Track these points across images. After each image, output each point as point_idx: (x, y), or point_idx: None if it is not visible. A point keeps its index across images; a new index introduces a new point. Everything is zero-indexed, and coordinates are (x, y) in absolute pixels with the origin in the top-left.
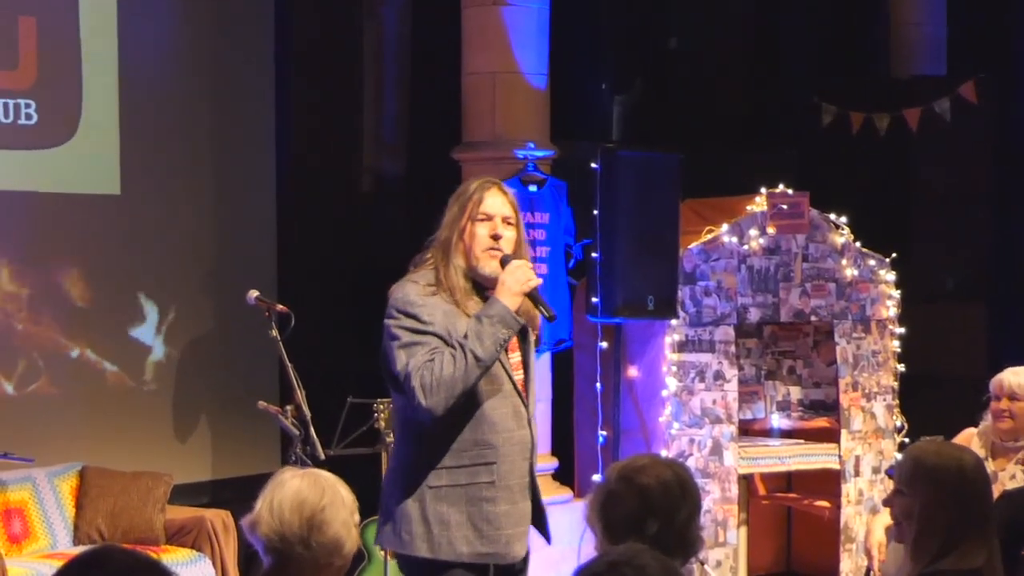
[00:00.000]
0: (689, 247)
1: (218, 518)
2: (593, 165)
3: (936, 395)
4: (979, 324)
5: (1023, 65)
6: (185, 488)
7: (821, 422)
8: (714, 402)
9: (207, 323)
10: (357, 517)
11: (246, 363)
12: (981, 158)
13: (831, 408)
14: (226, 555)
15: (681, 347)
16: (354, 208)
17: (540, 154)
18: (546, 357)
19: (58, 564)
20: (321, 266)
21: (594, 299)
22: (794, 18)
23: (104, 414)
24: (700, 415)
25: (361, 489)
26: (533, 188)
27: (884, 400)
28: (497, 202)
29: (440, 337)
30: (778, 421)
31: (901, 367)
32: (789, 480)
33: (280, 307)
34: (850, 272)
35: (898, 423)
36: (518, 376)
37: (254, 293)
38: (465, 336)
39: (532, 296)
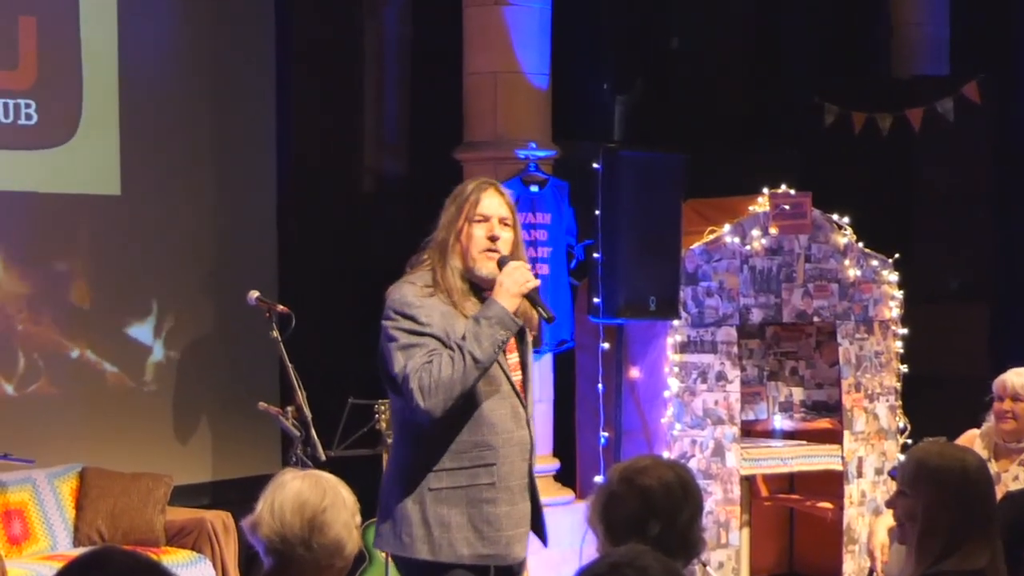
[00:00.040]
0: (691, 247)
1: (218, 519)
2: (595, 165)
3: (939, 396)
4: (982, 325)
5: None
6: (185, 489)
7: (823, 423)
8: (716, 403)
9: (207, 324)
10: (358, 519)
11: (247, 364)
12: (984, 158)
13: (833, 409)
14: (226, 556)
15: (683, 348)
16: (355, 208)
17: (542, 154)
18: (548, 358)
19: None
20: (322, 266)
21: (596, 300)
22: (796, 18)
23: (104, 415)
24: (702, 416)
25: (362, 490)
26: (535, 188)
27: (887, 401)
28: (494, 203)
29: (438, 338)
30: (780, 422)
31: (904, 368)
32: (791, 481)
33: (281, 308)
34: (853, 273)
35: (901, 424)
36: (516, 377)
37: (255, 293)
38: (463, 338)
39: (530, 297)
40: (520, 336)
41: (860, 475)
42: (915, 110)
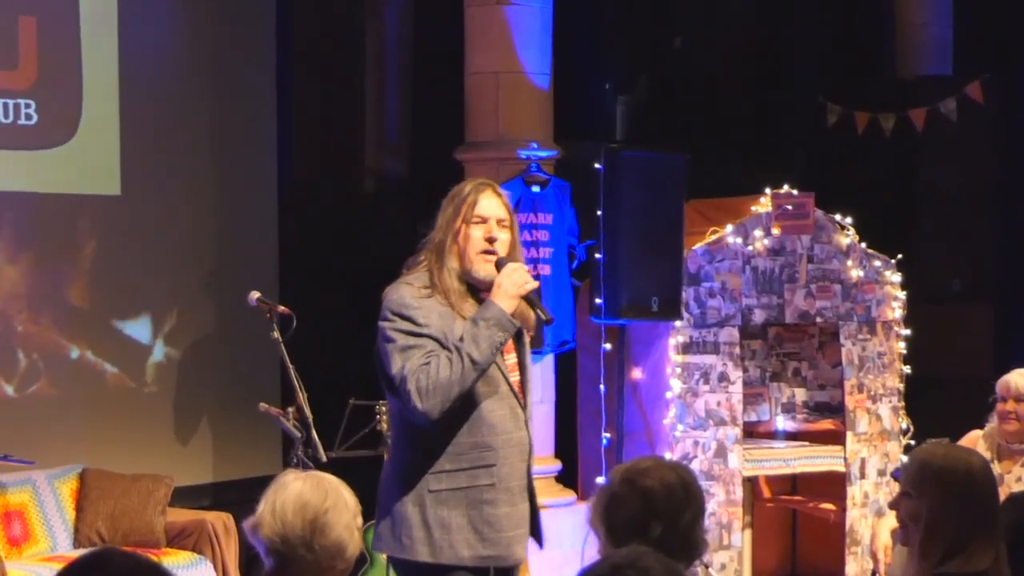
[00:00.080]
0: (693, 248)
1: (219, 521)
2: (597, 165)
3: (942, 397)
4: (985, 325)
5: None
6: (186, 490)
7: (826, 424)
8: (718, 404)
9: (208, 324)
10: (360, 520)
11: (247, 365)
12: (987, 158)
13: (836, 410)
14: (227, 558)
15: (685, 349)
16: (356, 209)
17: (543, 154)
18: (549, 359)
19: (58, 567)
20: (323, 267)
21: (597, 300)
22: (799, 18)
23: (104, 416)
24: (704, 417)
25: (363, 492)
26: (536, 189)
27: (890, 402)
28: (492, 204)
29: (436, 339)
30: (783, 423)
31: (907, 369)
32: (794, 483)
33: (281, 308)
34: (855, 273)
35: (904, 425)
36: (514, 378)
37: (255, 294)
38: (461, 339)
39: (529, 299)
40: (518, 337)
41: (863, 476)
42: (918, 110)
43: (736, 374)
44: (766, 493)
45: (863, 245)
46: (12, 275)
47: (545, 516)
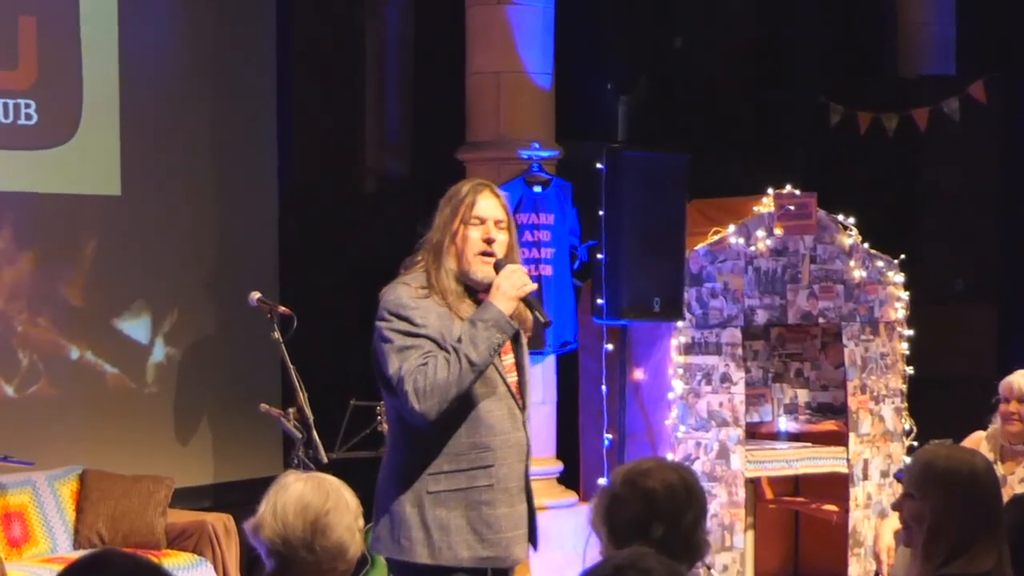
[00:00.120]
0: (695, 248)
1: (220, 522)
2: (598, 165)
3: (945, 398)
4: (988, 326)
5: None
6: (186, 492)
7: (829, 425)
8: (721, 405)
9: (208, 325)
10: (361, 522)
11: (248, 365)
12: (990, 158)
13: (839, 411)
14: (228, 559)
15: (687, 349)
16: (356, 209)
17: (545, 154)
18: (551, 359)
19: (58, 568)
20: (323, 267)
21: (599, 301)
22: (801, 17)
23: (104, 417)
24: (707, 418)
25: (364, 493)
26: (538, 189)
27: (892, 403)
28: (490, 205)
29: (433, 340)
30: (785, 424)
31: (910, 369)
32: (796, 484)
33: (282, 309)
34: (858, 273)
35: (907, 426)
36: (512, 379)
37: (256, 294)
38: (459, 340)
39: (527, 301)
40: (515, 338)
41: (866, 477)
42: (921, 110)
43: (738, 375)
44: (768, 494)
45: (866, 245)
46: (12, 275)
47: (547, 517)
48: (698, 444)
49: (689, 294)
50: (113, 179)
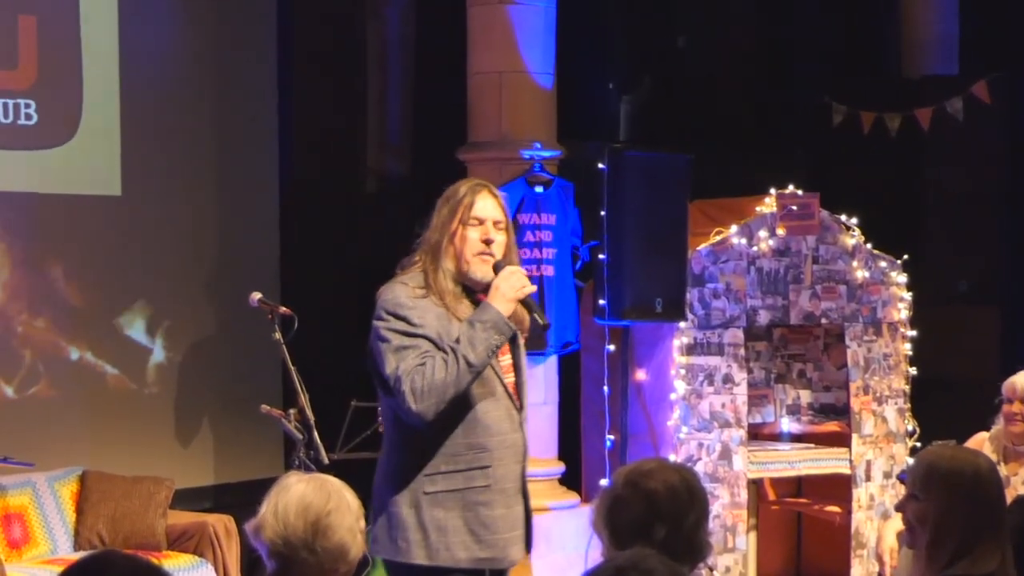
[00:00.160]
0: (697, 249)
1: (220, 523)
2: (600, 166)
3: (948, 399)
4: (992, 327)
5: None
6: (187, 493)
7: (831, 426)
8: (723, 406)
9: (209, 325)
10: (363, 523)
11: (249, 366)
12: (994, 158)
13: (842, 412)
14: (228, 561)
15: (689, 350)
16: (358, 209)
17: (547, 154)
18: (553, 360)
19: (58, 570)
20: (324, 268)
21: (601, 301)
22: (804, 17)
23: (105, 418)
24: (709, 419)
25: (365, 494)
26: (539, 189)
27: (895, 404)
28: (488, 205)
29: (430, 340)
30: (788, 425)
31: (912, 370)
32: (799, 485)
33: (283, 309)
34: (861, 274)
35: (909, 427)
36: (509, 379)
37: (257, 295)
38: (457, 340)
39: (526, 303)
40: (513, 339)
41: (868, 479)
42: (924, 110)
43: (741, 376)
44: (771, 495)
45: (869, 246)
46: (12, 276)
47: (549, 518)
48: (700, 445)
49: (691, 294)
50: (113, 179)
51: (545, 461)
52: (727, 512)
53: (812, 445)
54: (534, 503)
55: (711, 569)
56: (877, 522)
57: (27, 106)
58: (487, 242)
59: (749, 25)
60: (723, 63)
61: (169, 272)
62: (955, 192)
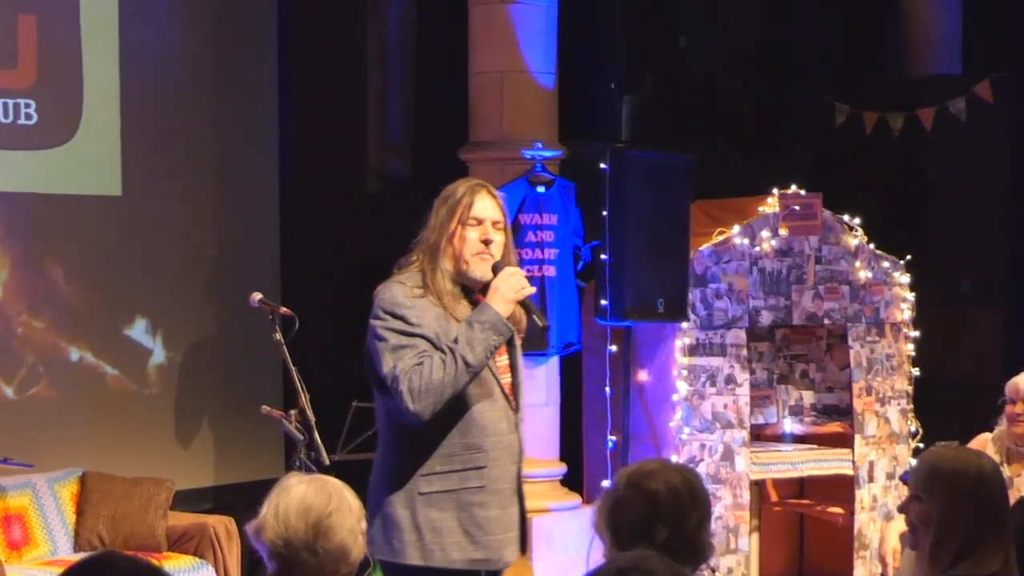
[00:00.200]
0: (700, 249)
1: (221, 524)
2: (602, 165)
3: (951, 400)
4: (995, 327)
5: None
6: (187, 494)
7: (834, 427)
8: (725, 407)
9: (209, 326)
10: (364, 524)
11: (249, 367)
12: (997, 158)
13: (844, 413)
14: (229, 562)
15: (692, 350)
16: (358, 209)
17: (548, 154)
18: (554, 361)
19: (58, 571)
20: (325, 268)
21: (603, 301)
22: (807, 16)
23: (105, 418)
24: (711, 420)
25: (366, 495)
26: (541, 189)
27: (898, 404)
28: (487, 206)
29: (428, 339)
30: (790, 426)
31: (916, 371)
32: (802, 486)
33: (284, 310)
34: (864, 274)
35: (912, 428)
36: (506, 380)
37: (257, 295)
38: (455, 340)
39: (525, 304)
40: (509, 340)
41: (871, 480)
42: (927, 110)
43: (743, 376)
44: (773, 496)
45: (871, 246)
46: (12, 276)
47: (550, 519)
48: (702, 446)
49: (693, 295)
50: (113, 179)
51: (547, 462)
52: (729, 513)
53: (815, 446)
54: (536, 504)
55: (713, 570)
56: (880, 523)
57: (27, 106)
58: (486, 242)
59: (751, 25)
60: (725, 63)
61: (169, 272)
62: (958, 192)
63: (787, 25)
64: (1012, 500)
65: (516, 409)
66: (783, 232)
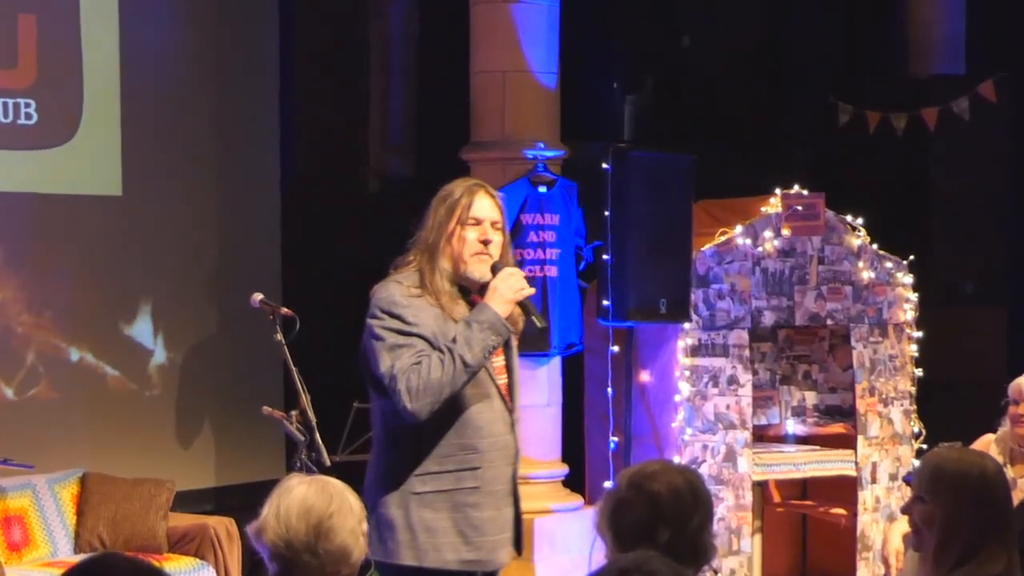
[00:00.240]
0: (702, 249)
1: (222, 525)
2: (604, 166)
3: (954, 400)
4: (998, 328)
5: None
6: (188, 495)
7: (837, 428)
8: (728, 407)
9: (210, 326)
10: (365, 525)
11: (250, 367)
12: (1000, 158)
13: (847, 414)
14: (230, 563)
15: (694, 351)
16: (360, 209)
17: (550, 154)
18: (556, 361)
19: (58, 572)
20: (326, 268)
21: (605, 302)
22: (810, 16)
23: (105, 419)
24: (713, 421)
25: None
26: (543, 189)
27: (901, 405)
28: (486, 206)
29: (425, 339)
30: (793, 427)
31: (919, 372)
32: (804, 487)
33: (285, 310)
34: (867, 275)
35: (915, 429)
36: (502, 380)
37: (258, 296)
38: (453, 340)
39: (524, 305)
40: (506, 340)
41: (874, 481)
42: (930, 109)
43: (746, 377)
44: (776, 498)
45: (874, 246)
46: (12, 276)
47: (552, 521)
48: (705, 447)
49: (696, 295)
50: (113, 179)
51: (549, 463)
52: (732, 514)
53: (817, 447)
54: (538, 505)
55: (716, 572)
56: (883, 524)
57: (27, 105)
58: (485, 242)
59: (754, 25)
60: (728, 63)
61: (170, 272)
62: (961, 192)
63: (789, 25)
64: (1015, 502)
65: (511, 410)
66: (786, 232)
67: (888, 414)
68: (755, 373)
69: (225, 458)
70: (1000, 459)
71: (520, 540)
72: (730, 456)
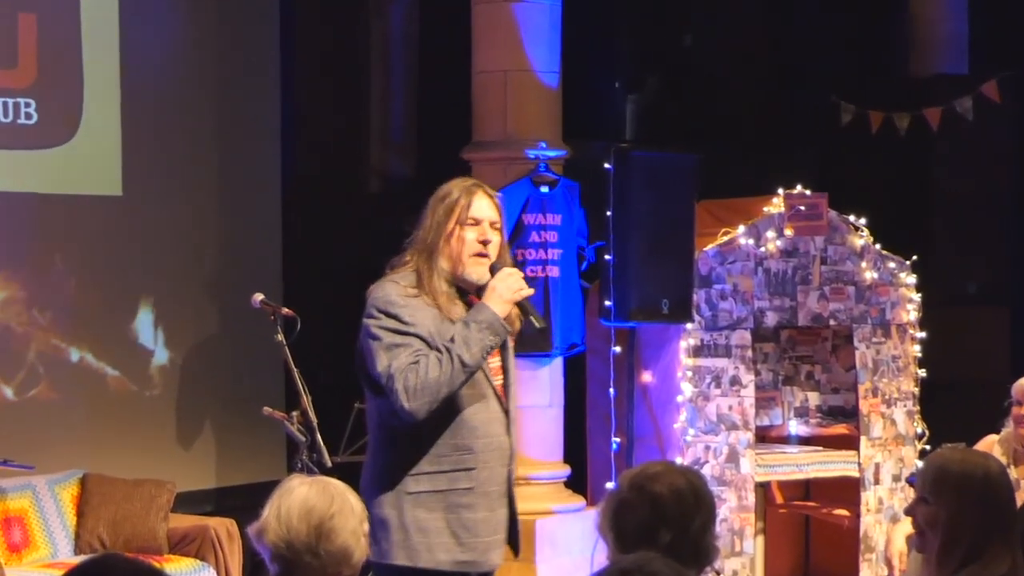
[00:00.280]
0: (704, 249)
1: (222, 526)
2: (606, 165)
3: (957, 401)
4: (1001, 328)
5: None
6: (188, 496)
7: (840, 429)
8: (730, 408)
9: (211, 327)
10: (366, 526)
11: (251, 368)
12: (1003, 158)
13: (850, 414)
14: (230, 564)
15: (696, 352)
16: (361, 209)
17: (552, 154)
18: (558, 362)
19: (59, 574)
20: (327, 268)
21: (607, 302)
22: (812, 15)
23: (106, 420)
24: (716, 421)
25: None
26: (545, 189)
27: (904, 406)
28: (484, 206)
29: (422, 339)
30: (796, 428)
31: (922, 372)
32: (807, 488)
33: (285, 310)
34: (869, 275)
35: (919, 429)
36: (498, 381)
37: (259, 296)
38: (451, 340)
39: (522, 305)
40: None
41: (877, 482)
42: (933, 109)
43: (748, 378)
44: (779, 499)
45: (877, 246)
46: (12, 277)
47: (554, 522)
48: (707, 448)
49: (698, 296)
50: (114, 179)
51: (550, 464)
52: (734, 516)
53: (820, 448)
54: (539, 506)
55: (718, 573)
56: (886, 525)
57: (27, 105)
58: (484, 243)
59: (756, 24)
60: (730, 62)
61: (170, 273)
62: (964, 192)
63: (792, 24)
64: (1019, 503)
65: (507, 411)
66: (788, 232)
67: (891, 415)
68: (758, 374)
69: (226, 459)
70: (1003, 460)
71: (517, 541)
72: (732, 457)
